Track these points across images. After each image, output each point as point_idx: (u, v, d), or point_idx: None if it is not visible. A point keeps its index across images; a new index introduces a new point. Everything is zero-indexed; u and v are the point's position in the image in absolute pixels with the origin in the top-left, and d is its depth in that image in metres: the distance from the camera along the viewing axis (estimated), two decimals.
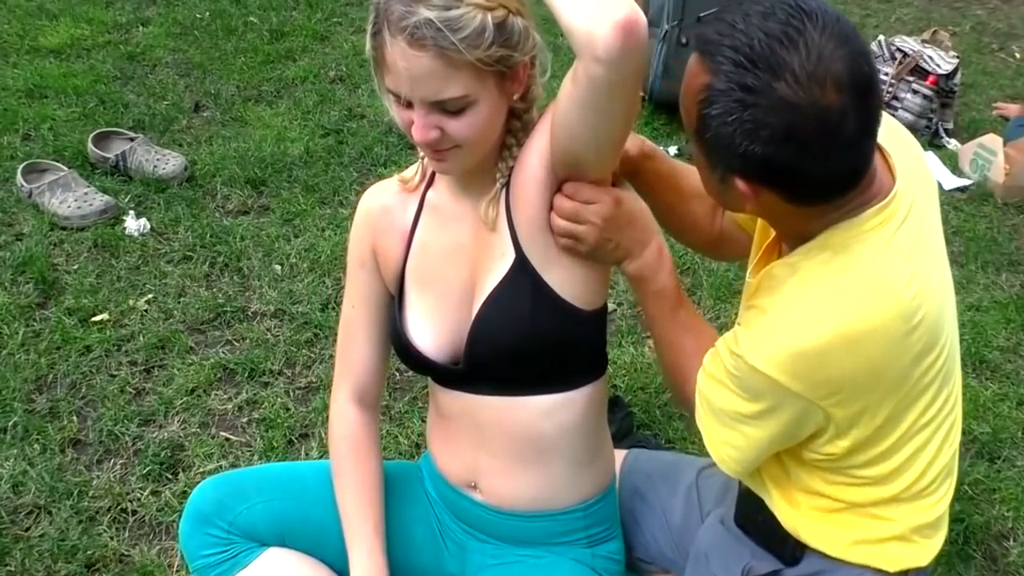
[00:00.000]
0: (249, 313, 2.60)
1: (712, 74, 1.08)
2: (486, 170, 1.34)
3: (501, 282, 1.34)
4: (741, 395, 1.22)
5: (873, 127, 1.10)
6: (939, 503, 1.32)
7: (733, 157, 1.10)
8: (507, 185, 1.34)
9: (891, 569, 1.32)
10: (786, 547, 1.37)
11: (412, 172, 1.45)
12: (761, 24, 1.06)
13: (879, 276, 1.16)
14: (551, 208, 1.31)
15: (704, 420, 1.31)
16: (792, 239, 1.25)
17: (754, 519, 1.41)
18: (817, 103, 1.04)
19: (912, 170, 1.25)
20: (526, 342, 1.35)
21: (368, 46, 1.23)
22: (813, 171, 1.09)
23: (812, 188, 1.13)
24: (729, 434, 1.28)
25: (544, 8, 1.17)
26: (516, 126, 1.32)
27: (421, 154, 1.39)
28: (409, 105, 1.23)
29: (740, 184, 1.13)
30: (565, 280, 1.34)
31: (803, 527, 1.35)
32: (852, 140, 1.08)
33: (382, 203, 1.47)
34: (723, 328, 2.57)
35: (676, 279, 1.38)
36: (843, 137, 1.06)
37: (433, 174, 1.44)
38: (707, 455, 1.34)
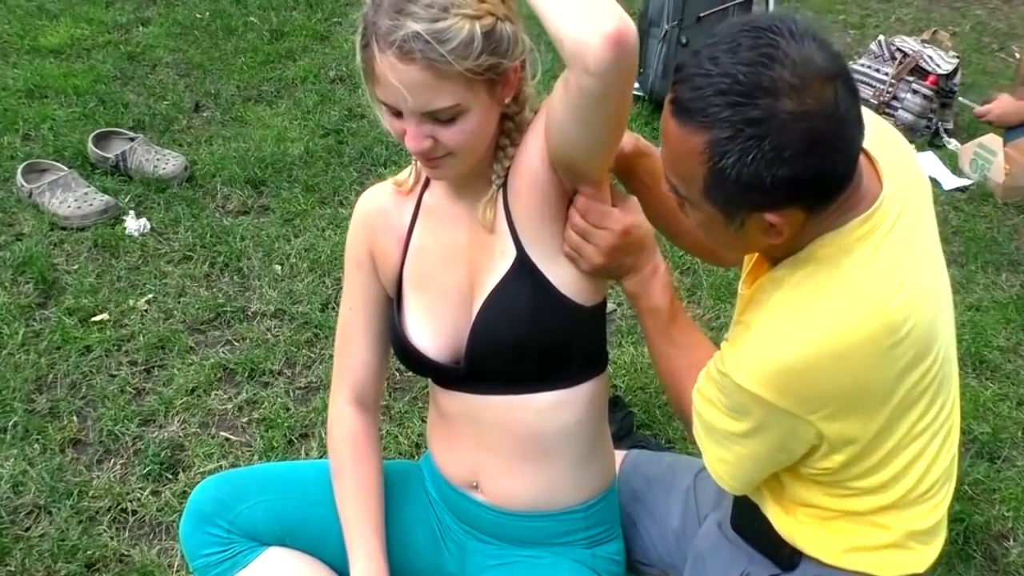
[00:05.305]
0: (249, 313, 2.60)
1: (707, 129, 1.06)
2: (481, 172, 1.34)
3: (502, 280, 1.34)
4: (730, 414, 1.22)
5: (857, 90, 1.11)
6: (937, 508, 1.31)
7: (762, 194, 1.08)
8: (504, 185, 1.34)
9: None
10: (783, 553, 1.37)
11: (406, 175, 1.46)
12: (733, 59, 1.05)
13: (864, 289, 1.15)
14: (558, 208, 1.31)
15: (700, 437, 1.31)
16: (784, 255, 1.23)
17: (750, 524, 1.41)
18: (821, 101, 1.04)
19: (901, 172, 1.24)
20: (527, 339, 1.35)
21: (358, 58, 1.23)
22: (840, 166, 1.10)
23: (837, 183, 1.12)
24: (723, 452, 1.28)
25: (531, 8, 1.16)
26: (509, 127, 1.32)
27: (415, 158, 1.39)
28: (401, 115, 1.23)
29: (770, 217, 1.11)
30: (566, 276, 1.34)
31: (798, 534, 1.34)
32: (853, 117, 1.10)
33: (379, 205, 1.47)
34: (722, 328, 2.58)
35: (672, 296, 1.38)
36: (849, 119, 1.08)
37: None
38: None
